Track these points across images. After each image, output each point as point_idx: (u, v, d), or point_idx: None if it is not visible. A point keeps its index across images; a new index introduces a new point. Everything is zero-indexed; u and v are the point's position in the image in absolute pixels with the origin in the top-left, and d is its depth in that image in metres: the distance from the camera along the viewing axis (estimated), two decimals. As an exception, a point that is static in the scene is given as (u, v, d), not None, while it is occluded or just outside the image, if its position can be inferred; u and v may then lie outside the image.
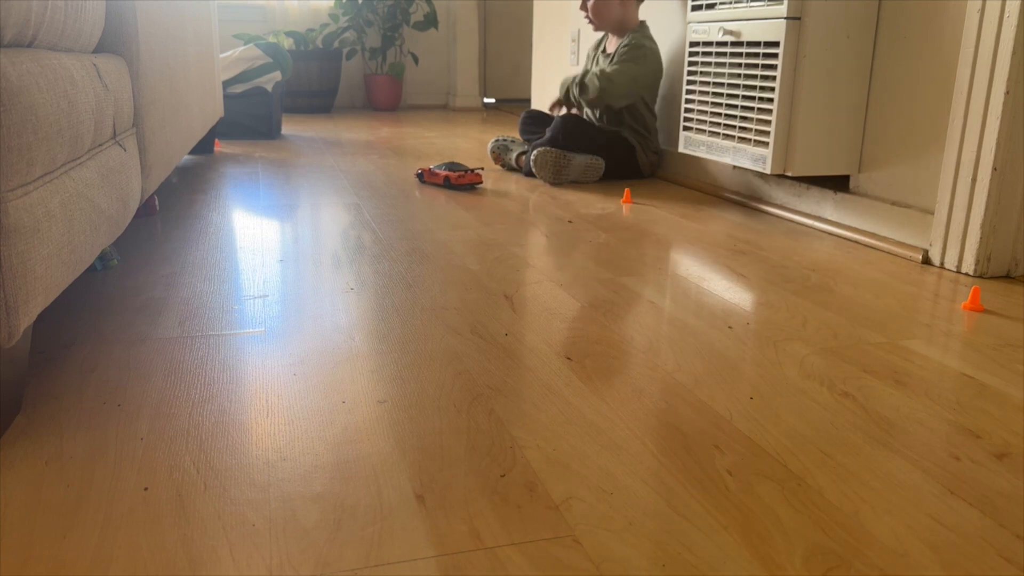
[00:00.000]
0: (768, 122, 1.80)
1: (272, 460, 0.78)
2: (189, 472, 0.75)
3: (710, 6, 2.00)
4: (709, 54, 2.01)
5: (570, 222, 1.85)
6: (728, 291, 1.34)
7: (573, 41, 3.18)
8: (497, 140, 2.67)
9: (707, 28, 2.00)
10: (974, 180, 1.42)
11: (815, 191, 1.89)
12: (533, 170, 2.35)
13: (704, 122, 2.07)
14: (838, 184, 1.86)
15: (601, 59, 2.58)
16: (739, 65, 1.90)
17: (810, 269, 1.49)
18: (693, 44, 2.07)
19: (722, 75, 1.97)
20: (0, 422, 0.81)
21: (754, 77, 1.85)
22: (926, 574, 0.62)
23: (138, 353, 1.04)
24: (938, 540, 0.66)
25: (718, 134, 2.01)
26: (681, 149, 2.19)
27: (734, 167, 2.18)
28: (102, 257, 1.42)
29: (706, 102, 2.05)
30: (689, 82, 2.11)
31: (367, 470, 0.76)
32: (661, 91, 2.54)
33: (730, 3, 1.91)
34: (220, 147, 3.04)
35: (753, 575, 0.62)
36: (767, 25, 1.78)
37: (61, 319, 1.17)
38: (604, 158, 2.39)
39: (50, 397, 0.91)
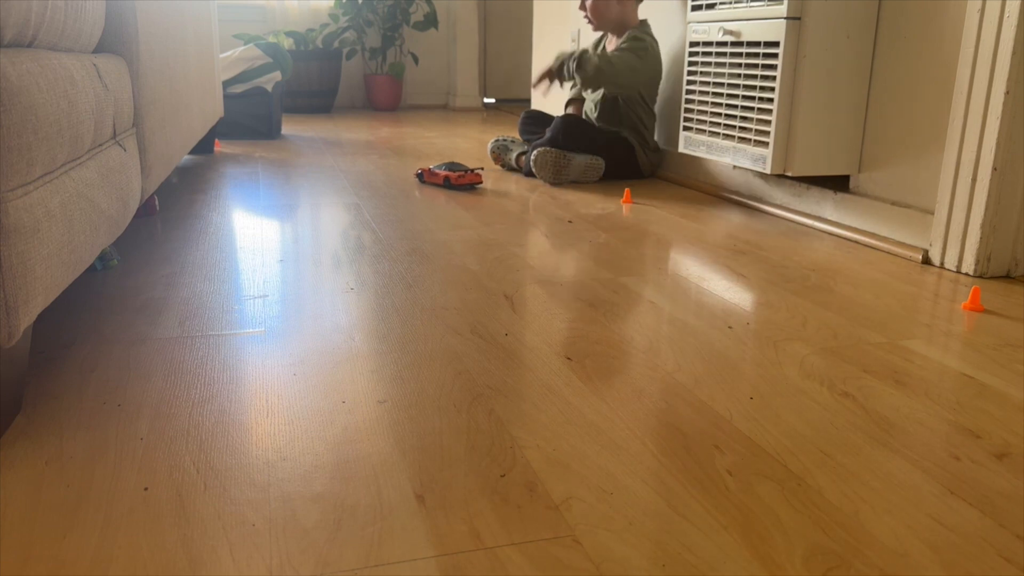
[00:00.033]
0: (768, 122, 1.80)
1: (272, 460, 0.78)
2: (189, 472, 0.75)
3: (710, 6, 2.00)
4: (709, 54, 2.02)
5: (570, 222, 1.85)
6: (728, 291, 1.34)
7: (573, 41, 3.18)
8: (497, 140, 2.67)
9: (707, 28, 2.00)
10: (974, 180, 1.42)
11: (815, 191, 1.89)
12: (533, 170, 2.35)
13: (704, 122, 2.07)
14: (838, 184, 1.86)
15: (601, 58, 2.58)
16: (739, 65, 1.90)
17: (810, 269, 1.49)
18: (693, 44, 2.07)
19: (722, 75, 1.97)
20: (0, 422, 0.81)
21: (754, 77, 1.85)
22: (926, 574, 0.62)
23: (138, 353, 1.04)
24: (938, 540, 0.66)
25: (718, 134, 2.01)
26: (681, 149, 2.19)
27: (734, 167, 2.18)
28: (102, 257, 1.42)
29: (706, 102, 2.05)
30: (689, 82, 2.11)
31: (367, 470, 0.76)
32: (661, 91, 2.54)
33: (730, 3, 1.91)
34: (220, 147, 3.04)
35: (753, 575, 0.62)
36: (767, 25, 1.78)
37: (61, 319, 1.17)
38: (604, 158, 2.39)
39: (50, 397, 0.91)
